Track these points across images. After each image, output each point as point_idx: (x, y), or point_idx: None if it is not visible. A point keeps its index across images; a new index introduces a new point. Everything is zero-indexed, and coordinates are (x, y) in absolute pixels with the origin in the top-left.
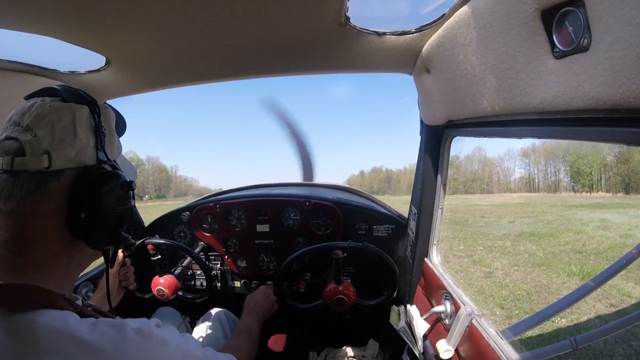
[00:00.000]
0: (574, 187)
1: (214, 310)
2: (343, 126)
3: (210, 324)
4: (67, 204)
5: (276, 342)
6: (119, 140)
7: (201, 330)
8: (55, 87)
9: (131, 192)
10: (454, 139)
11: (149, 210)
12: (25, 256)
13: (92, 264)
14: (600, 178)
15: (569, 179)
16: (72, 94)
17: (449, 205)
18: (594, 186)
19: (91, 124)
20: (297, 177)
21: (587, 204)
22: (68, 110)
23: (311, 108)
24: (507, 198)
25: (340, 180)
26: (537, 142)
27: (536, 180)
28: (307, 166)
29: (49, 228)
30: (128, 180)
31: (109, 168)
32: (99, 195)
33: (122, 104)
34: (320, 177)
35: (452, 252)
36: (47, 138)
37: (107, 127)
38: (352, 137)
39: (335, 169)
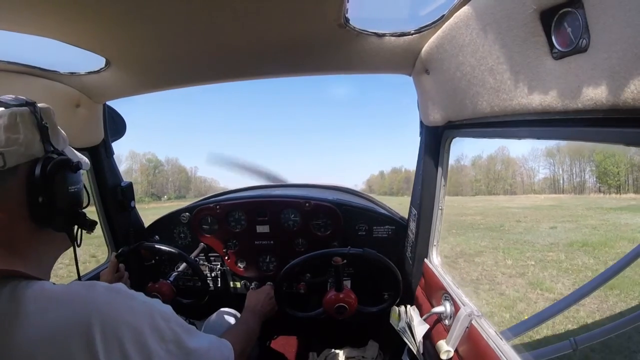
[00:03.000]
0: (600, 188)
1: (222, 310)
2: (362, 127)
3: (218, 323)
4: (27, 195)
5: (276, 343)
6: (63, 133)
7: (208, 330)
8: None
9: (80, 171)
10: (455, 140)
11: (161, 212)
12: (2, 249)
13: (91, 265)
14: (628, 178)
15: (594, 179)
16: (14, 101)
17: (476, 207)
18: (622, 187)
19: (34, 121)
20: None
21: (623, 206)
22: (11, 114)
23: (330, 109)
24: (535, 200)
25: (360, 181)
26: (562, 142)
27: (561, 181)
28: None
29: (16, 220)
30: (75, 162)
31: (57, 157)
32: (51, 179)
33: (140, 104)
34: (339, 178)
35: (500, 270)
36: None
37: (49, 122)
38: (372, 138)
39: (355, 170)
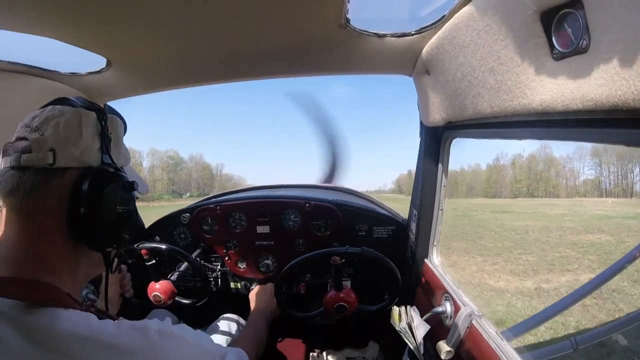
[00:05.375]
0: None
1: (225, 316)
2: (392, 126)
3: (221, 331)
4: (69, 202)
5: (277, 345)
6: (127, 150)
7: (212, 336)
8: (69, 97)
9: (133, 193)
10: (455, 140)
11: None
12: (32, 256)
13: None
14: None
15: None
16: (82, 102)
17: (563, 216)
18: None
19: (97, 129)
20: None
21: None
22: (75, 113)
23: (350, 109)
24: (605, 204)
25: (389, 181)
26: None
27: (606, 183)
28: (334, 166)
29: (52, 227)
30: (130, 181)
31: (112, 170)
32: (99, 193)
33: (167, 101)
34: (365, 179)
35: None
36: (52, 136)
37: (113, 134)
38: (400, 137)
39: (384, 169)
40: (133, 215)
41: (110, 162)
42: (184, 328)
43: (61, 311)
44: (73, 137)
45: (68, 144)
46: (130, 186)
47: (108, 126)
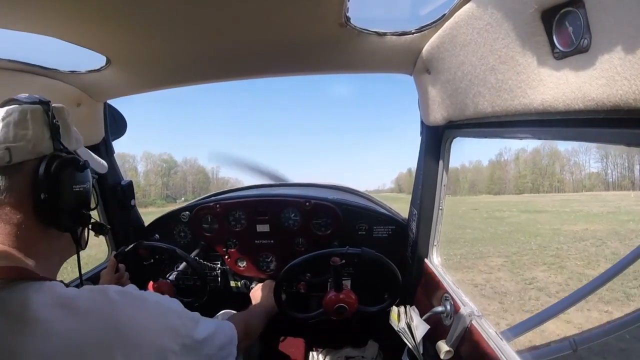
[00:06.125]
0: None
1: (224, 312)
2: (392, 125)
3: None
4: (31, 192)
5: (277, 343)
6: (78, 134)
7: None
8: (16, 97)
9: (88, 171)
10: (456, 139)
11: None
12: (6, 244)
13: (92, 265)
14: None
15: None
16: (28, 99)
17: (599, 215)
18: None
19: (45, 120)
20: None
21: None
22: (22, 111)
23: (348, 110)
24: (630, 199)
25: (388, 181)
26: None
27: (615, 175)
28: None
29: (21, 216)
30: (82, 161)
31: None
32: (55, 177)
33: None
34: (364, 178)
35: None
36: (5, 136)
37: (61, 122)
38: (400, 137)
39: (383, 169)
40: (91, 192)
41: (62, 147)
42: (148, 292)
43: (32, 283)
44: (23, 132)
45: (21, 140)
46: (83, 166)
47: (55, 115)
